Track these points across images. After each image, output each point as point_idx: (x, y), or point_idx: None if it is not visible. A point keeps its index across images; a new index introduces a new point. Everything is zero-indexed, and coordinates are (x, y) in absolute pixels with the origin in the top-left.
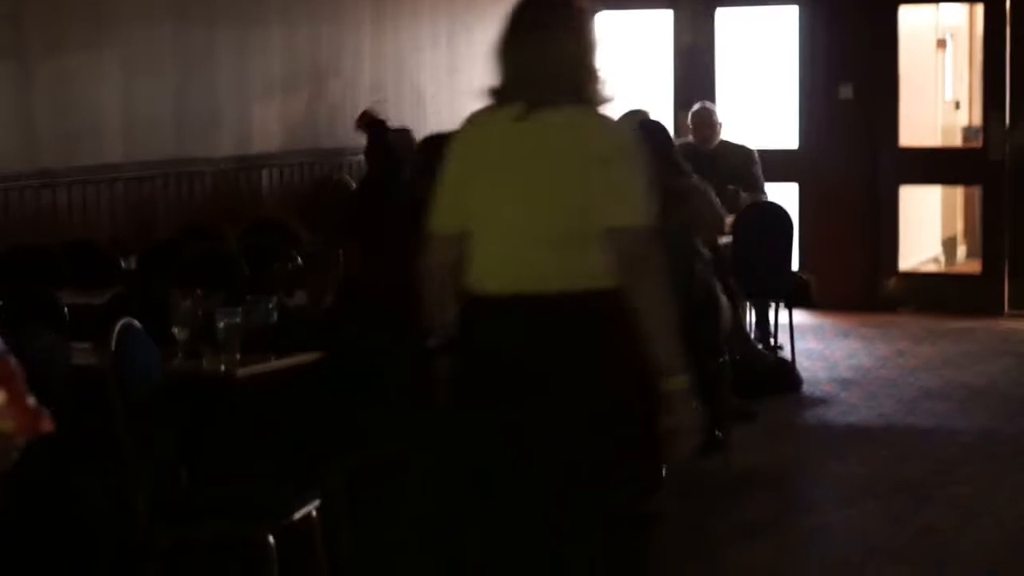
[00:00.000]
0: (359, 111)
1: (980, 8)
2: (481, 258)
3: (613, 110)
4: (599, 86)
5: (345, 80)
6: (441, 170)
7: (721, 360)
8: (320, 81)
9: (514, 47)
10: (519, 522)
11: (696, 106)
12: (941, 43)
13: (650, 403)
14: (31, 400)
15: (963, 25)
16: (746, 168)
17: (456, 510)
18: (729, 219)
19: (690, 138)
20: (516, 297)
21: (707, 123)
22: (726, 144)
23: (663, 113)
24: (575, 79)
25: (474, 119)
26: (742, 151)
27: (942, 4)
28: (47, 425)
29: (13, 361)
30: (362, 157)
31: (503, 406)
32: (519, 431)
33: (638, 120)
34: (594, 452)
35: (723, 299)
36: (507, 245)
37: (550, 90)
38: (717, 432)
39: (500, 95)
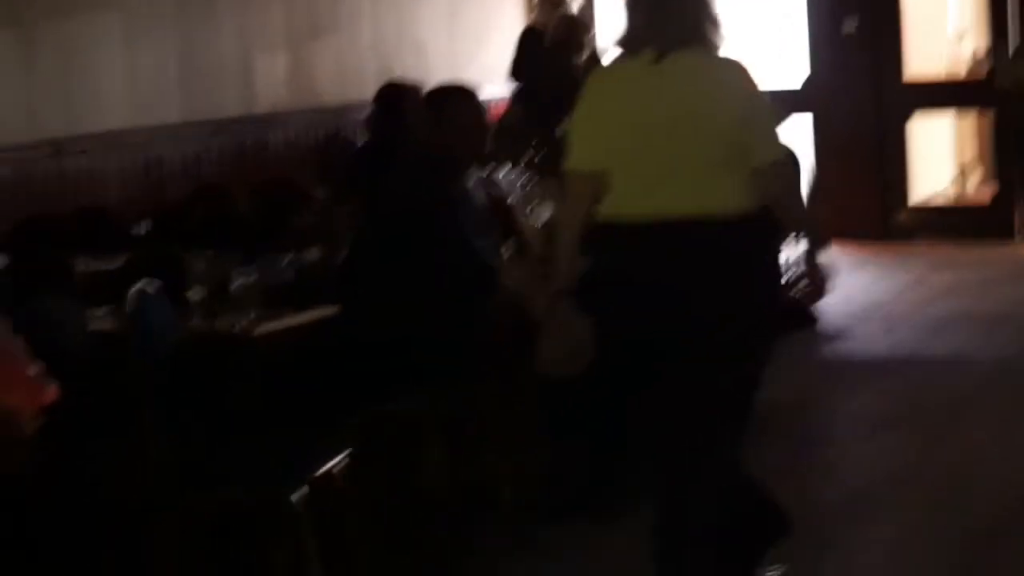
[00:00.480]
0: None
1: None
2: (622, 189)
3: None
4: (719, 31)
5: (344, 35)
6: (576, 114)
7: None
8: (321, 37)
9: (642, 1)
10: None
11: None
12: None
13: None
14: (32, 372)
15: None
16: None
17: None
18: None
19: None
20: (657, 223)
21: None
22: None
23: None
24: (700, 26)
25: (607, 68)
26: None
27: None
28: (50, 396)
29: (9, 336)
30: (369, 112)
31: (649, 315)
32: (666, 330)
33: None
34: (729, 349)
35: None
36: (648, 177)
37: (679, 37)
38: None
39: (630, 45)
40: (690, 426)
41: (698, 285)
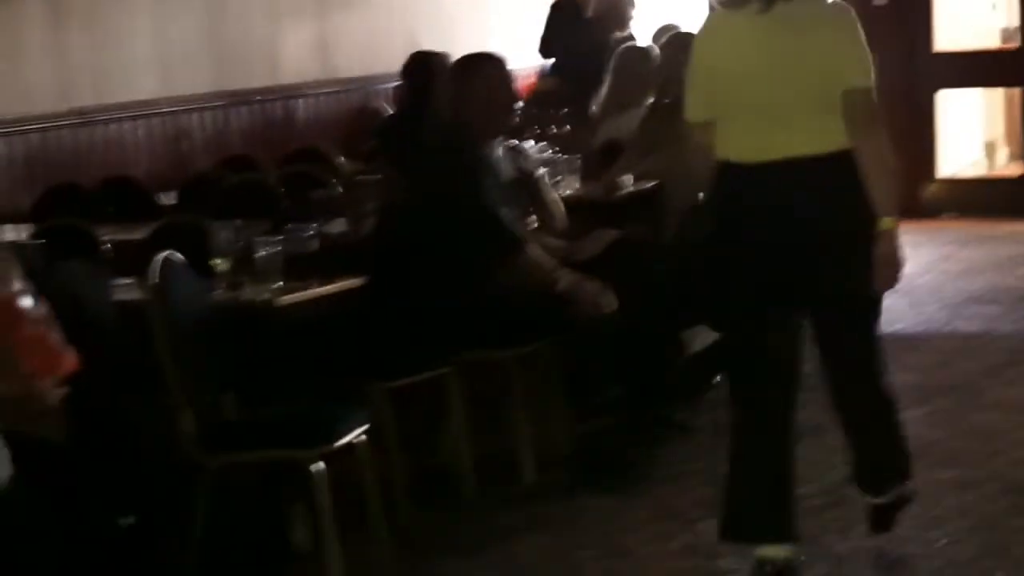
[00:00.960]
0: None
1: None
2: (739, 134)
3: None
4: None
5: (372, 7)
6: (690, 69)
7: None
8: (349, 8)
9: None
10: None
11: None
12: None
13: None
14: (54, 339)
15: None
16: None
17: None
18: None
19: None
20: (773, 163)
21: None
22: None
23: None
24: None
25: (714, 22)
26: None
27: None
28: (70, 363)
29: (33, 303)
30: (398, 83)
31: (769, 245)
32: (784, 259)
33: (671, 35)
34: (839, 266)
35: None
36: (763, 120)
37: None
38: None
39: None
40: (850, 332)
41: (809, 214)
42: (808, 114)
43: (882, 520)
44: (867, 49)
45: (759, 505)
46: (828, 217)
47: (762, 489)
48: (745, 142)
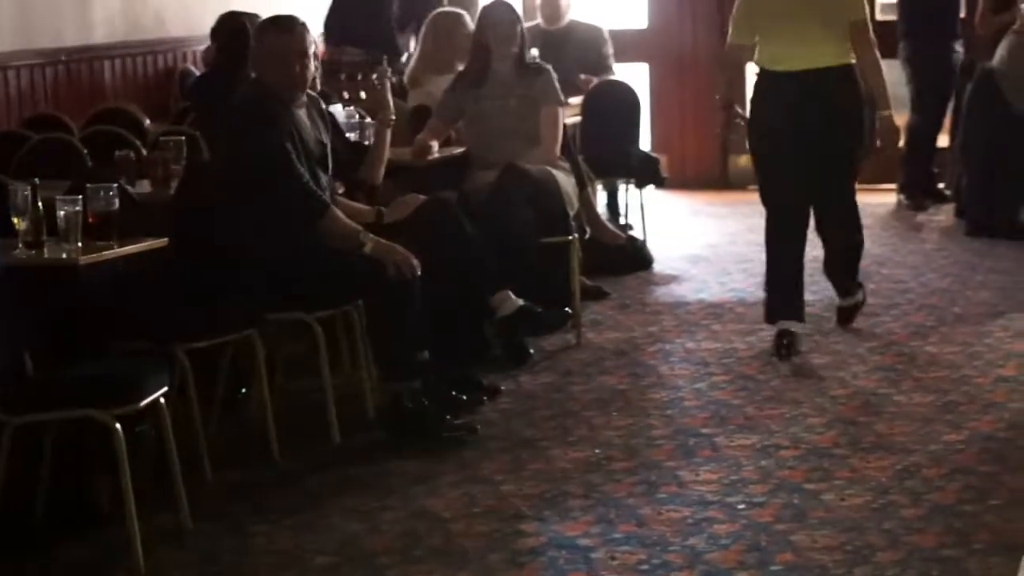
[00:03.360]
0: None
1: None
2: (774, 50)
3: None
4: None
5: None
6: (738, 7)
7: (570, 238)
8: None
9: None
10: (814, 181)
11: None
12: None
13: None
14: None
15: None
16: (596, 49)
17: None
18: (576, 100)
19: (539, 20)
20: (802, 72)
21: (552, 2)
22: (576, 24)
23: None
24: None
25: None
26: (592, 31)
27: None
28: None
29: None
30: (205, 47)
31: (792, 139)
32: (807, 147)
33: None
34: (847, 140)
35: (563, 176)
36: (793, 40)
37: None
38: (567, 309)
39: None
40: (836, 179)
41: (826, 104)
42: (825, 38)
43: (846, 317)
44: None
45: (784, 294)
46: (835, 103)
47: (787, 282)
48: (780, 56)
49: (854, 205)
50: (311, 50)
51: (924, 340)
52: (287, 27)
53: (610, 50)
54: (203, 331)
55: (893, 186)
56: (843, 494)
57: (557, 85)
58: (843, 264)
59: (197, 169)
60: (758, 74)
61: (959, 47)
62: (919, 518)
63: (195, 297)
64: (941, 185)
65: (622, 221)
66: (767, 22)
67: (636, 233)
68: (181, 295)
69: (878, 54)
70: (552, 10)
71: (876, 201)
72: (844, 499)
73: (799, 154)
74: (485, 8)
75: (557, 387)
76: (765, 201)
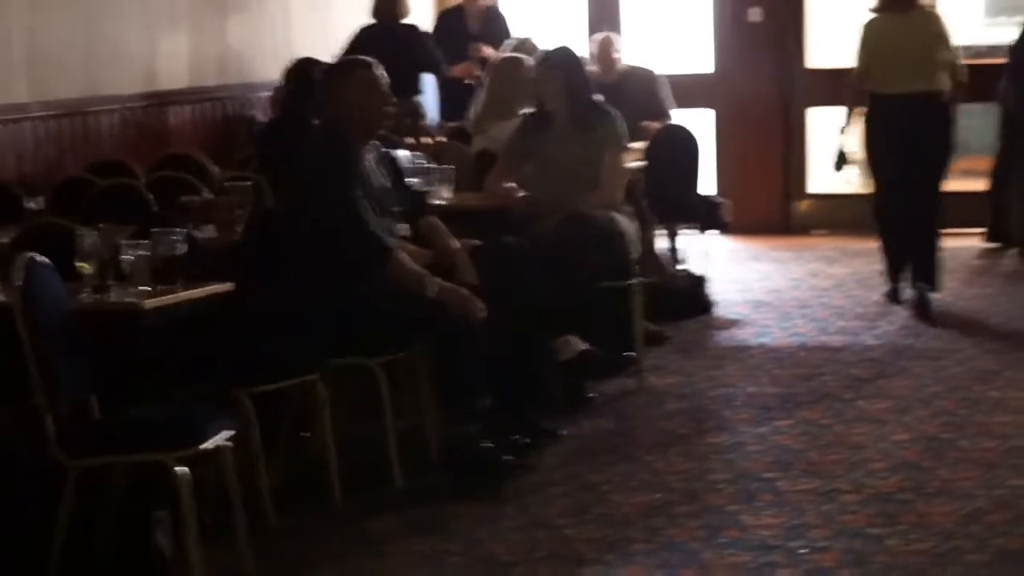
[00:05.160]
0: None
1: None
2: (887, 77)
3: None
4: None
5: (251, 14)
6: (862, 43)
7: (633, 282)
8: (227, 15)
9: None
10: (913, 180)
11: (598, 36)
12: None
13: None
14: None
15: None
16: (651, 92)
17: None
18: (639, 145)
19: (594, 67)
20: (909, 94)
21: (606, 54)
22: (630, 70)
23: (577, 40)
24: None
25: (873, 21)
26: (645, 75)
27: None
28: None
29: None
30: (272, 93)
31: (898, 145)
32: (907, 154)
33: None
34: (945, 153)
35: (626, 222)
36: (903, 69)
37: (913, 1)
38: (630, 353)
39: (885, 6)
40: (930, 190)
41: (927, 122)
42: (926, 68)
43: (924, 307)
44: (950, 36)
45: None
46: (933, 121)
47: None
48: (890, 80)
49: (940, 204)
50: (386, 93)
51: (988, 384)
52: (369, 67)
53: (666, 92)
54: (267, 376)
55: (967, 230)
56: (907, 539)
57: (622, 129)
58: (929, 259)
59: (263, 214)
60: (870, 98)
61: None
62: (984, 564)
63: (259, 341)
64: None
65: (684, 266)
66: (881, 55)
67: (698, 274)
68: (245, 339)
69: (966, 83)
70: (606, 64)
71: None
72: (908, 544)
73: (907, 159)
74: (552, 53)
75: (619, 431)
76: (880, 204)
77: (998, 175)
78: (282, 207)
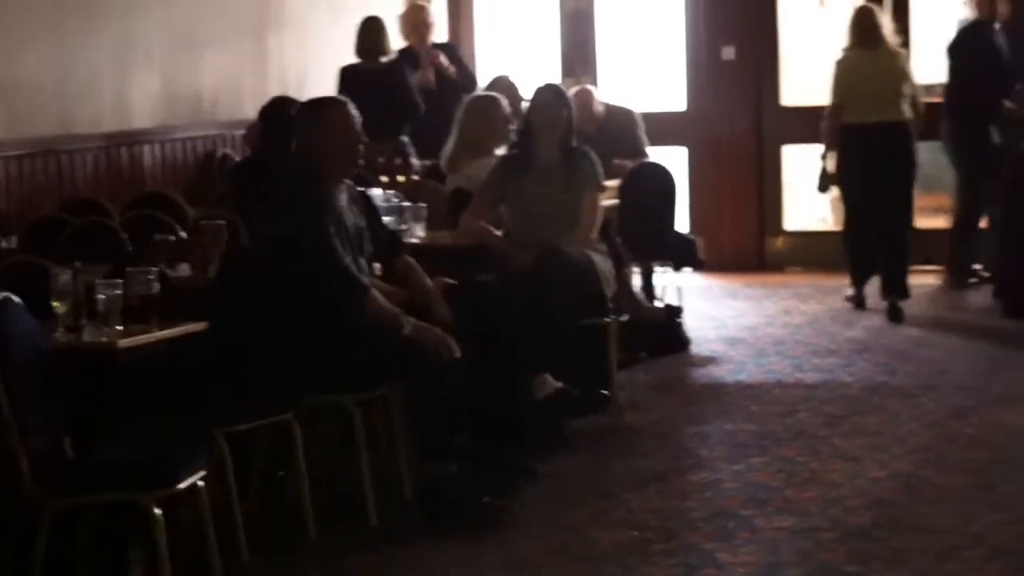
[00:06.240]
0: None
1: None
2: (858, 108)
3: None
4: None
5: (225, 52)
6: (835, 77)
7: (607, 320)
8: (201, 53)
9: (862, 23)
10: (883, 202)
11: (575, 89)
12: (822, 2)
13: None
14: None
15: None
16: (629, 132)
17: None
18: (614, 183)
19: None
20: (879, 123)
21: (585, 107)
22: (609, 109)
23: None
24: (886, 31)
25: (846, 55)
26: (625, 114)
27: None
28: None
29: None
30: (246, 132)
31: (868, 169)
32: (880, 175)
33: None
34: (911, 175)
35: (601, 259)
36: (873, 101)
37: (881, 38)
38: (605, 391)
39: (856, 44)
40: (900, 206)
41: (895, 148)
42: (892, 100)
43: (896, 313)
44: (911, 70)
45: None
46: (900, 146)
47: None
48: (861, 111)
49: (910, 220)
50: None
51: (963, 421)
52: (342, 106)
53: (642, 131)
54: (241, 414)
55: (933, 267)
56: None
57: (599, 170)
58: (899, 270)
59: (237, 253)
60: (843, 127)
61: (999, 129)
62: None
63: (234, 380)
64: (978, 266)
65: (660, 303)
66: (853, 87)
67: (673, 312)
68: (219, 378)
69: (922, 108)
70: (585, 115)
71: (916, 282)
72: None
73: (879, 179)
74: (537, 91)
75: (595, 469)
76: (849, 217)
77: (955, 217)
78: (257, 246)
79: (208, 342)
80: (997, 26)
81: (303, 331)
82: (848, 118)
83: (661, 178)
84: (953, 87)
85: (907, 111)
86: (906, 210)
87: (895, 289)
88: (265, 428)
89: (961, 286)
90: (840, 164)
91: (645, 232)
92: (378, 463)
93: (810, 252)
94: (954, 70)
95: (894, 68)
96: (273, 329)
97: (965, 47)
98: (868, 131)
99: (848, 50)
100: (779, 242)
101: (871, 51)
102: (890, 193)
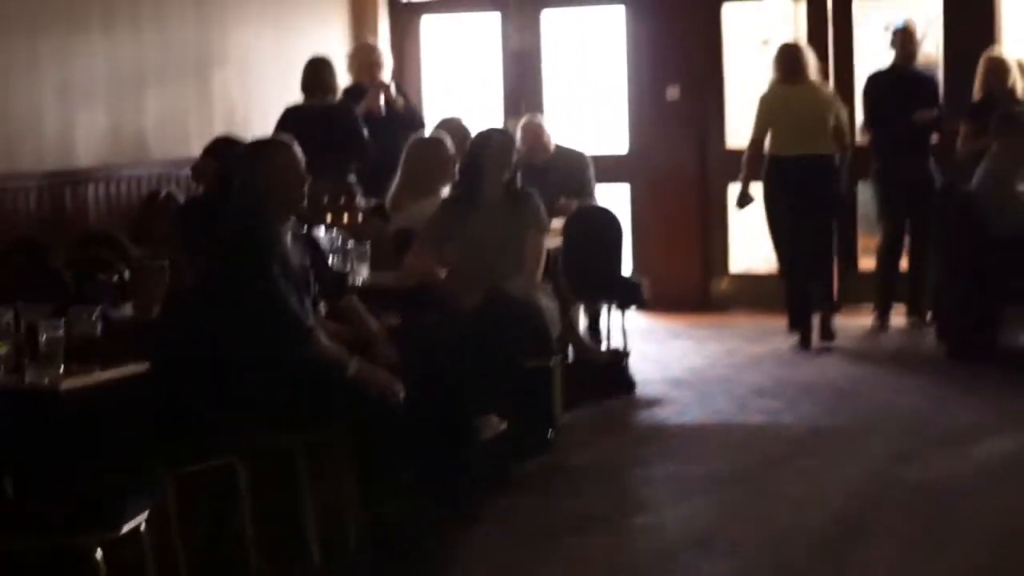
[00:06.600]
0: (190, 124)
1: (803, 7)
2: (782, 140)
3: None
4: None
5: (171, 90)
6: (760, 110)
7: (552, 361)
8: (145, 91)
9: (787, 59)
10: (806, 230)
11: (524, 119)
12: (766, 42)
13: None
14: None
15: (787, 25)
16: (580, 173)
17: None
18: (558, 223)
19: (519, 148)
20: (801, 156)
21: (536, 137)
22: (560, 151)
23: (494, 119)
24: (810, 67)
25: (772, 88)
26: (576, 156)
27: (765, 3)
28: None
29: None
30: (191, 171)
31: (794, 200)
32: (802, 209)
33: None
34: (832, 205)
35: (546, 300)
36: (796, 134)
37: (805, 74)
38: (549, 432)
39: (781, 79)
40: (822, 236)
41: (816, 179)
42: (816, 134)
43: (828, 329)
44: (838, 103)
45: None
46: (822, 178)
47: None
48: (786, 143)
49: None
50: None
51: (908, 465)
52: (285, 147)
53: (592, 175)
54: (186, 456)
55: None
56: None
57: (543, 211)
58: (827, 288)
59: (181, 293)
60: (768, 159)
61: (929, 167)
62: None
63: (178, 421)
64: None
65: (604, 345)
66: (778, 120)
67: (618, 353)
68: (164, 419)
69: (850, 143)
70: (537, 146)
71: (861, 323)
72: None
73: (802, 212)
74: (483, 134)
75: (540, 509)
76: (781, 254)
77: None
78: (200, 285)
79: (151, 383)
80: (919, 67)
81: (247, 372)
82: (774, 150)
83: (606, 219)
84: (874, 126)
85: (831, 145)
86: (828, 238)
87: (825, 305)
88: (209, 469)
89: (884, 327)
90: (767, 195)
91: (590, 273)
92: (322, 502)
93: (755, 293)
94: (868, 109)
95: (817, 102)
96: (217, 370)
97: (882, 87)
98: (792, 163)
99: (773, 85)
100: (724, 283)
101: (795, 86)
102: (814, 224)
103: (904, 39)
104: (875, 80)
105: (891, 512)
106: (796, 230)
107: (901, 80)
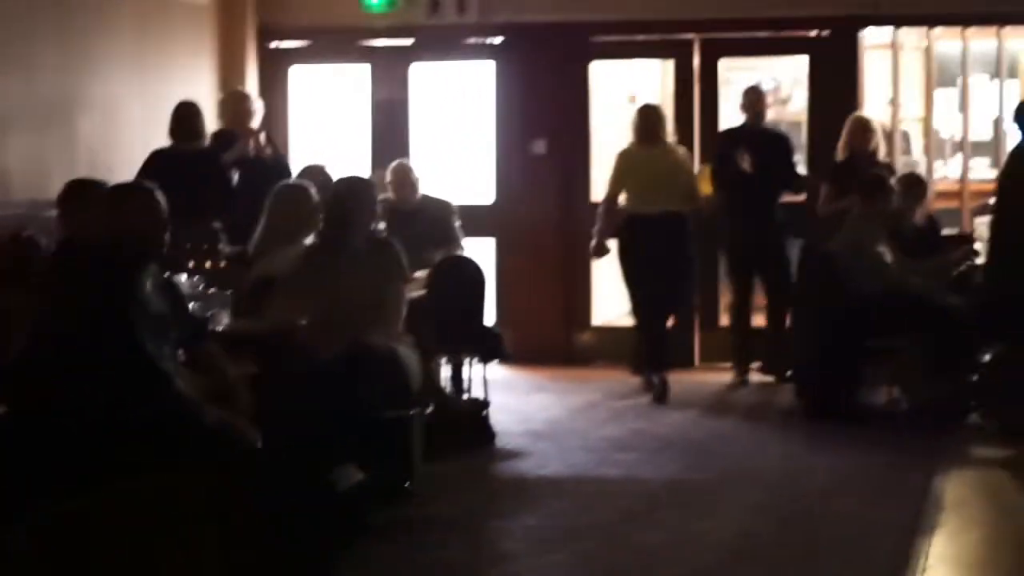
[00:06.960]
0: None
1: (671, 65)
2: (637, 200)
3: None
4: (669, 132)
5: (34, 132)
6: (616, 169)
7: (413, 412)
8: (8, 132)
9: (644, 121)
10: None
11: (394, 163)
12: (632, 99)
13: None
14: None
15: (654, 82)
16: (445, 222)
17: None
18: (422, 274)
19: (389, 195)
20: (653, 213)
21: (406, 181)
22: (426, 199)
23: (361, 168)
24: (666, 130)
25: (630, 149)
26: (442, 205)
27: (633, 61)
28: None
29: None
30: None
31: (648, 255)
32: (656, 263)
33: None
34: (684, 266)
35: (408, 351)
36: (650, 193)
37: (661, 136)
38: (407, 483)
39: (638, 141)
40: (674, 289)
41: (669, 235)
42: (669, 193)
43: (662, 389)
44: (691, 165)
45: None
46: (675, 235)
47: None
48: (641, 204)
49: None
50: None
51: (763, 517)
52: (146, 193)
53: (458, 224)
54: (42, 500)
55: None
56: None
57: (403, 260)
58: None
59: (39, 337)
60: (624, 217)
61: (775, 226)
62: None
63: (31, 467)
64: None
65: (467, 396)
66: (634, 179)
67: (480, 405)
68: (17, 464)
69: (702, 203)
70: (405, 191)
71: (720, 379)
72: None
73: (657, 272)
74: (346, 181)
75: (397, 560)
76: (635, 308)
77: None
78: (59, 331)
79: (6, 426)
80: (770, 125)
81: (103, 419)
82: (630, 208)
83: (470, 270)
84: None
85: (682, 202)
86: (676, 297)
87: (659, 366)
88: (65, 513)
89: (744, 383)
90: (622, 250)
91: (453, 324)
92: (182, 551)
93: (617, 346)
94: (716, 172)
95: (671, 163)
96: (74, 414)
97: (732, 143)
98: (645, 220)
99: (631, 145)
100: (586, 336)
101: (651, 147)
102: (667, 279)
103: (753, 99)
104: (725, 136)
105: (747, 567)
106: (650, 284)
107: (750, 136)
